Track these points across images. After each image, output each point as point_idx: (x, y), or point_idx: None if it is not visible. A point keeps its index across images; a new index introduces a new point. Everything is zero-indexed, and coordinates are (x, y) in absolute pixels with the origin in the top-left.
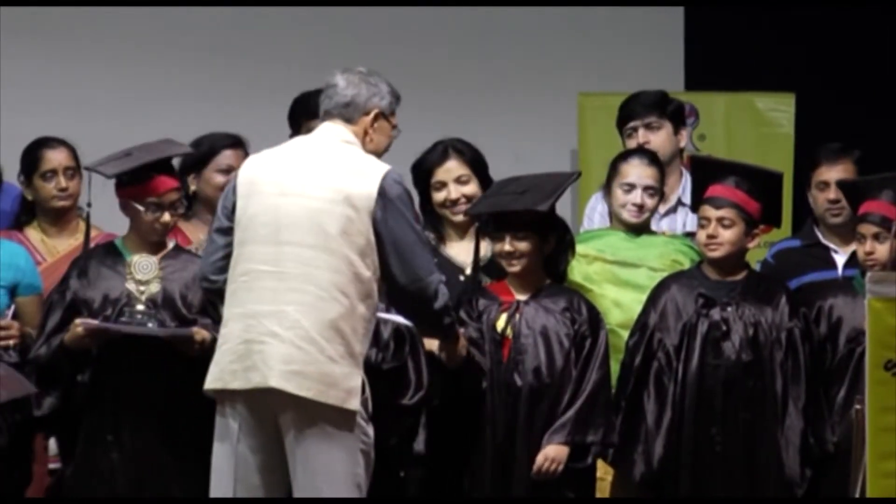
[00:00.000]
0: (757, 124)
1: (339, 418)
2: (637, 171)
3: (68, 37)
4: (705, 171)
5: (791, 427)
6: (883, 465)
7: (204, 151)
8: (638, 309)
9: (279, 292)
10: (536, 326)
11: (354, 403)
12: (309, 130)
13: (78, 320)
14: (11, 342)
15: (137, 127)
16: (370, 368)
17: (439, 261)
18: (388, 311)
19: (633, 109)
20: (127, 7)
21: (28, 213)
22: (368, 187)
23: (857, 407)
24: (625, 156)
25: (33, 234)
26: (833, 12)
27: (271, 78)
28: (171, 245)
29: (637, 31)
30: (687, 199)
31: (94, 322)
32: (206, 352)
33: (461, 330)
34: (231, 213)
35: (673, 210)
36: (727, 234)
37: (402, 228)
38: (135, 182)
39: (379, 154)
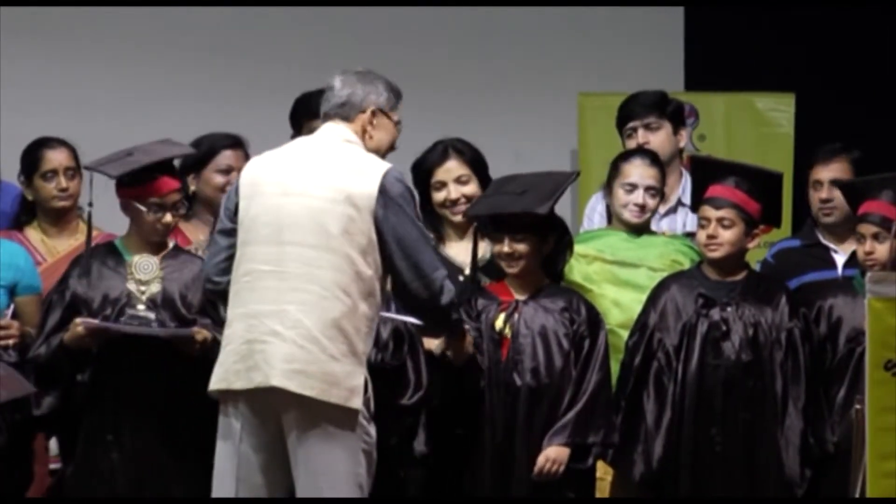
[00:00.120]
0: (757, 124)
1: (341, 417)
2: (639, 172)
3: (68, 37)
4: (705, 172)
5: (791, 427)
6: (883, 465)
7: (204, 152)
8: (637, 309)
9: (281, 292)
10: (535, 326)
11: (357, 402)
12: (310, 130)
13: (78, 319)
14: (11, 342)
15: (137, 127)
16: (369, 368)
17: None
18: (389, 309)
19: (633, 110)
20: (127, 7)
21: (28, 213)
22: (369, 186)
23: (857, 407)
24: (626, 156)
25: (33, 234)
26: (833, 12)
27: (271, 78)
28: (170, 245)
29: (637, 31)
30: (687, 200)
31: (95, 321)
32: (207, 352)
33: (466, 326)
34: (234, 214)
35: (673, 210)
36: (727, 235)
37: (404, 226)
38: (137, 182)
39: (383, 151)
